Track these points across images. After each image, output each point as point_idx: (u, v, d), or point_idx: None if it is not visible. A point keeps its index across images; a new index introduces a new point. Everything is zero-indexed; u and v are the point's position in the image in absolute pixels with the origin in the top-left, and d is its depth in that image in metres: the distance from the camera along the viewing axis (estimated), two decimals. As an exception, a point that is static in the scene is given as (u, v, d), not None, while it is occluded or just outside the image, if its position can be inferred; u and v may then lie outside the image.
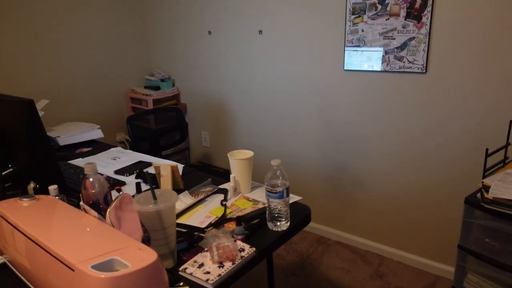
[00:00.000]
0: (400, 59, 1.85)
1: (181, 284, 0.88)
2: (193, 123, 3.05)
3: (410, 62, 1.83)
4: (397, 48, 1.85)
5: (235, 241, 1.02)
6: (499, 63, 1.64)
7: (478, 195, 1.41)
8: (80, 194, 1.04)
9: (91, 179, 1.03)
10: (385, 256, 2.26)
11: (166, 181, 1.35)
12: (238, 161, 1.31)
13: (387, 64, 1.90)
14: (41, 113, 1.93)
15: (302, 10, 2.18)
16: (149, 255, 0.76)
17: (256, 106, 2.60)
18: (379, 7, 1.84)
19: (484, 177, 1.46)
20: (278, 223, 1.11)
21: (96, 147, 2.00)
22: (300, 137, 2.44)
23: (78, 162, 1.75)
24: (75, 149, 1.95)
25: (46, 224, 0.88)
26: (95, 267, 0.70)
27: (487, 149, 1.46)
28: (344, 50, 2.05)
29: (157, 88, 2.93)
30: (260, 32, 2.39)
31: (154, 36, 3.05)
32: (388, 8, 1.82)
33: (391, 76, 1.94)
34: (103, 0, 2.73)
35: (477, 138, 1.78)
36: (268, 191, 1.09)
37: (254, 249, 1.00)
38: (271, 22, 2.33)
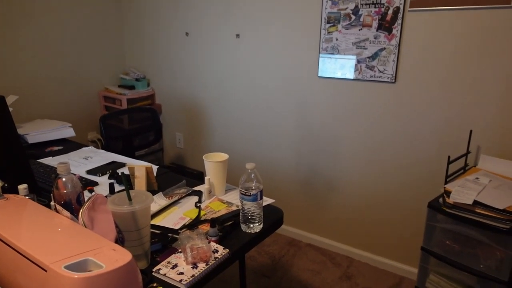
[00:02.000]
0: (371, 68, 1.93)
1: (155, 285, 0.89)
2: (167, 124, 3.03)
3: (380, 71, 1.91)
4: (368, 57, 1.92)
5: (209, 242, 1.04)
6: (462, 75, 1.75)
7: (440, 199, 1.49)
8: (51, 194, 1.03)
9: (63, 179, 1.02)
10: (354, 258, 2.33)
11: (140, 182, 1.35)
12: (213, 163, 1.33)
13: (359, 73, 1.98)
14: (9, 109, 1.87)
15: (279, 16, 2.22)
16: (123, 256, 0.76)
17: (232, 109, 2.62)
18: (353, 17, 1.91)
19: (446, 182, 1.55)
20: (251, 225, 1.14)
21: (67, 146, 1.96)
22: (275, 140, 2.48)
23: (49, 161, 1.71)
24: (44, 148, 1.90)
25: (15, 224, 0.86)
26: (69, 267, 0.70)
27: (449, 156, 1.55)
28: (319, 57, 2.11)
29: (131, 87, 2.90)
30: (238, 36, 2.42)
31: (129, 35, 3.01)
32: (361, 19, 1.89)
33: (362, 84, 2.01)
34: (78, -4, 2.68)
35: (440, 145, 1.87)
36: (242, 193, 1.11)
37: (227, 250, 1.02)
38: (249, 27, 2.36)
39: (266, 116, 2.47)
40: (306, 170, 2.40)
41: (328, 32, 2.02)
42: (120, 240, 0.93)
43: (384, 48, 1.87)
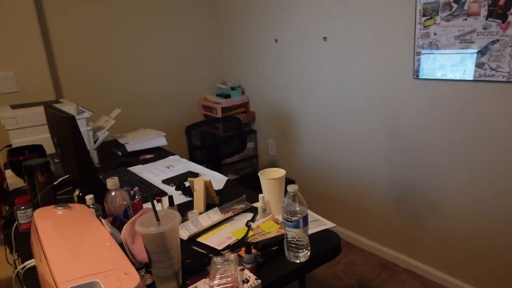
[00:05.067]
0: (480, 66, 1.57)
1: (174, 311, 0.85)
2: (261, 131, 3.05)
3: (492, 69, 1.53)
4: (476, 53, 1.57)
5: (242, 269, 0.97)
6: None
7: None
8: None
9: (112, 194, 1.07)
10: (461, 294, 1.95)
11: (199, 196, 1.35)
12: (268, 180, 1.25)
13: (464, 72, 1.63)
14: (112, 122, 2.12)
15: (367, 14, 2.00)
16: (130, 282, 0.75)
17: (320, 115, 2.48)
18: (455, 6, 1.59)
19: None
20: (295, 254, 1.02)
21: (159, 154, 2.11)
22: (365, 150, 2.24)
23: (137, 169, 1.86)
24: (139, 156, 2.09)
25: (61, 235, 0.94)
26: (74, 288, 0.72)
27: None
28: (414, 56, 1.82)
29: (227, 96, 3.00)
30: (325, 38, 2.27)
31: (227, 45, 3.13)
32: (466, 7, 1.55)
33: (469, 86, 1.66)
34: (179, 10, 2.90)
35: None
36: (284, 219, 1.00)
37: (259, 281, 0.93)
38: (336, 28, 2.19)
39: (355, 122, 2.26)
40: (400, 185, 2.10)
41: (425, 27, 1.72)
42: (150, 260, 0.93)
43: (497, 40, 1.50)
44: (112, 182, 1.06)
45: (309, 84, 2.49)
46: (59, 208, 1.10)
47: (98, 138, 2.01)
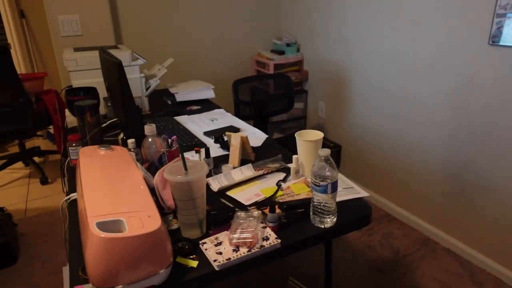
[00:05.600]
0: None
1: (193, 256, 0.90)
2: (312, 91, 2.96)
3: None
4: None
5: (264, 227, 0.98)
6: None
7: None
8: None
9: (149, 140, 1.11)
10: (504, 282, 1.83)
11: (234, 151, 1.37)
12: (304, 142, 1.22)
13: (549, 42, 1.41)
14: (164, 71, 2.17)
15: (444, -33, 1.77)
16: (152, 225, 0.79)
17: (378, 82, 2.33)
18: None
19: None
20: (321, 219, 1.01)
21: (206, 106, 2.14)
22: (423, 123, 2.09)
23: (183, 119, 1.91)
24: (186, 106, 2.14)
25: (99, 174, 1.00)
26: (100, 224, 0.77)
27: None
28: (493, 19, 1.60)
29: (282, 52, 2.92)
30: (391, -5, 2.07)
31: (286, -1, 2.99)
32: None
33: (553, 58, 1.44)
34: (240, -38, 2.79)
35: None
36: (312, 182, 0.98)
37: (279, 241, 0.93)
38: (405, -17, 1.99)
39: (416, 92, 2.10)
40: (458, 163, 1.95)
41: (508, -15, 1.49)
42: (175, 207, 0.97)
43: None
44: (149, 129, 1.10)
45: (370, 46, 2.33)
46: (102, 148, 1.17)
47: (150, 86, 2.08)
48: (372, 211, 1.10)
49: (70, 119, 1.81)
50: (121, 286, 0.77)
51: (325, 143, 2.81)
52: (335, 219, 1.02)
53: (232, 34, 2.95)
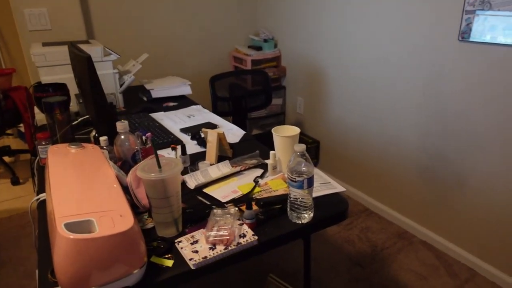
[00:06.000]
0: (537, 31, 1.39)
1: (168, 256, 0.87)
2: (290, 87, 2.96)
3: (551, 36, 1.35)
4: (535, 16, 1.38)
5: (241, 224, 0.97)
6: None
7: None
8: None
9: (122, 137, 1.08)
10: (477, 272, 1.89)
11: (211, 147, 1.35)
12: (280, 138, 1.21)
13: (517, 37, 1.45)
14: (139, 66, 2.12)
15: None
16: (123, 224, 0.76)
17: (353, 77, 2.35)
18: (518, -42, 1.38)
19: None
20: (298, 214, 1.00)
21: (183, 102, 2.11)
22: (398, 116, 2.13)
23: (159, 115, 1.87)
24: (163, 103, 2.10)
25: (69, 173, 0.96)
26: (69, 225, 0.74)
27: None
28: (462, 16, 1.64)
29: (259, 48, 2.90)
30: (366, -9, 2.09)
31: (263, -6, 2.98)
32: (531, -40, 1.35)
33: (521, 54, 1.48)
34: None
35: None
36: (288, 178, 0.97)
37: (256, 238, 0.92)
38: (380, -20, 2.01)
39: (389, 88, 2.13)
40: (431, 156, 2.00)
41: (479, -18, 1.53)
42: (150, 206, 0.94)
43: (562, 2, 1.30)
44: (121, 126, 1.07)
45: (345, 42, 2.35)
46: (72, 146, 1.12)
47: (124, 82, 2.02)
48: (348, 206, 1.10)
49: (40, 117, 1.74)
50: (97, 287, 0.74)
51: (304, 138, 2.82)
52: (312, 215, 1.02)
53: (209, 29, 2.92)
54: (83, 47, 1.81)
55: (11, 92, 2.74)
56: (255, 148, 1.44)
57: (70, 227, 0.73)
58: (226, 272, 1.91)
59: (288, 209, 1.02)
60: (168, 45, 2.80)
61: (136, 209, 1.04)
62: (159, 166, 0.91)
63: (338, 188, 1.16)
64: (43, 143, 1.31)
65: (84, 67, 1.22)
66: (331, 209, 1.07)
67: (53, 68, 1.79)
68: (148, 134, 1.26)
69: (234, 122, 1.76)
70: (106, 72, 1.90)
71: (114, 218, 0.78)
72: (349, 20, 2.28)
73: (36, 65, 1.76)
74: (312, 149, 2.79)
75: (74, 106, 1.78)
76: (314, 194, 1.09)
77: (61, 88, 1.54)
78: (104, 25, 2.54)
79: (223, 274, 1.90)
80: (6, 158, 3.18)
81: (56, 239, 0.72)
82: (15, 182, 2.88)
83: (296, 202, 0.99)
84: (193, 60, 2.94)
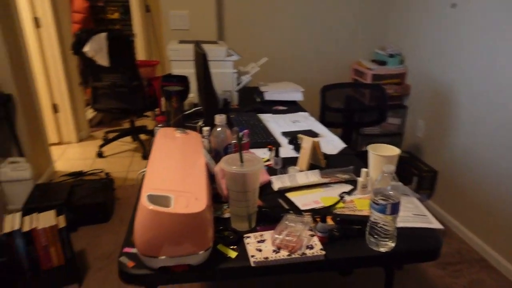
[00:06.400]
0: None
1: (234, 247, 0.90)
2: (413, 107, 2.73)
3: None
4: None
5: (312, 235, 0.93)
6: None
7: None
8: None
9: (218, 129, 1.15)
10: None
11: (304, 154, 1.33)
12: (376, 156, 1.13)
13: None
14: (256, 69, 2.23)
15: None
16: (195, 207, 0.81)
17: (492, 106, 2.03)
18: None
19: None
20: (376, 241, 0.91)
21: (292, 108, 2.13)
22: (538, 157, 1.76)
23: (266, 117, 1.93)
24: (274, 105, 2.16)
25: (166, 153, 1.07)
26: (151, 196, 0.82)
27: None
28: None
29: (383, 63, 2.76)
30: (521, 7, 1.79)
31: (392, 6, 2.81)
32: None
33: None
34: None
35: None
36: (371, 200, 0.90)
37: (323, 253, 0.88)
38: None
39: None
40: None
41: None
42: (228, 197, 0.98)
43: None
44: (219, 119, 1.14)
45: (485, 62, 2.05)
46: (178, 131, 1.25)
47: (241, 82, 2.15)
48: (441, 246, 0.96)
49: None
50: (163, 257, 0.81)
51: (419, 166, 2.56)
52: (393, 244, 0.92)
53: (332, 40, 2.89)
54: (209, 46, 1.99)
55: (153, 81, 3.18)
56: (351, 163, 1.37)
57: (152, 199, 0.81)
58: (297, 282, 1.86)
59: (367, 233, 0.94)
60: (288, 52, 2.88)
61: (219, 198, 1.10)
62: (241, 161, 0.94)
63: (435, 224, 1.03)
64: (160, 125, 1.48)
65: (200, 62, 1.34)
66: (420, 244, 0.95)
67: (182, 62, 2.01)
68: (245, 131, 1.32)
69: (343, 135, 1.71)
70: (226, 71, 2.06)
71: (189, 200, 0.83)
72: (490, 37, 1.98)
73: (170, 59, 2.01)
74: (427, 178, 2.51)
75: (195, 97, 1.97)
76: (405, 224, 0.99)
77: (183, 80, 1.73)
78: (233, 29, 2.74)
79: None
80: (143, 136, 3.70)
81: (139, 207, 0.81)
82: (145, 157, 3.33)
83: (376, 227, 0.91)
84: (310, 69, 2.95)
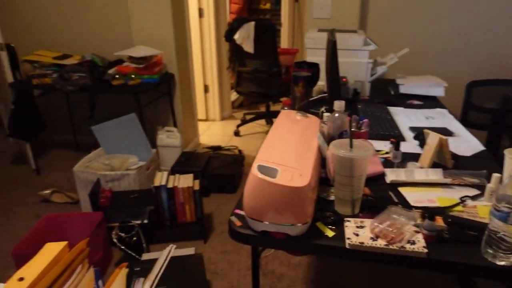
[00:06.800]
0: None
1: (332, 227, 0.93)
2: None
3: None
4: None
5: (417, 232, 0.89)
6: None
7: None
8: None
9: (336, 115, 1.17)
10: None
11: (428, 151, 1.24)
12: (513, 161, 0.98)
13: None
14: (395, 60, 2.14)
15: None
16: (298, 182, 0.87)
17: None
18: None
19: None
20: (493, 251, 0.82)
21: (428, 103, 1.97)
22: None
23: (397, 110, 1.84)
24: (408, 99, 2.03)
25: (283, 132, 1.15)
26: (261, 167, 0.91)
27: None
28: None
29: (561, 58, 2.26)
30: None
31: None
32: None
33: None
34: None
35: None
36: (492, 206, 0.80)
37: (425, 251, 0.83)
38: None
39: None
40: None
41: None
42: (333, 181, 1.00)
43: None
44: (338, 104, 1.16)
45: None
46: (299, 113, 1.32)
47: (376, 73, 2.09)
48: None
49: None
50: (266, 222, 0.90)
51: None
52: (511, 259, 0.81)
53: (486, 35, 2.50)
54: (348, 35, 1.98)
55: (290, 68, 3.33)
56: (486, 168, 1.22)
57: (261, 169, 0.91)
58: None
59: (483, 241, 0.85)
60: (433, 43, 2.62)
61: (328, 181, 1.13)
62: (351, 146, 0.96)
63: None
64: (285, 108, 1.58)
65: (330, 50, 1.37)
66: (552, 267, 0.81)
67: (317, 50, 2.06)
68: (365, 120, 1.30)
69: (488, 138, 1.51)
70: (361, 61, 2.02)
71: (293, 175, 0.90)
72: None
73: (306, 47, 2.08)
74: None
75: (324, 85, 2.01)
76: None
77: (314, 66, 1.78)
78: (376, 18, 2.64)
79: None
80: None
81: (250, 175, 0.91)
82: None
83: (494, 236, 0.81)
84: (458, 62, 2.62)
